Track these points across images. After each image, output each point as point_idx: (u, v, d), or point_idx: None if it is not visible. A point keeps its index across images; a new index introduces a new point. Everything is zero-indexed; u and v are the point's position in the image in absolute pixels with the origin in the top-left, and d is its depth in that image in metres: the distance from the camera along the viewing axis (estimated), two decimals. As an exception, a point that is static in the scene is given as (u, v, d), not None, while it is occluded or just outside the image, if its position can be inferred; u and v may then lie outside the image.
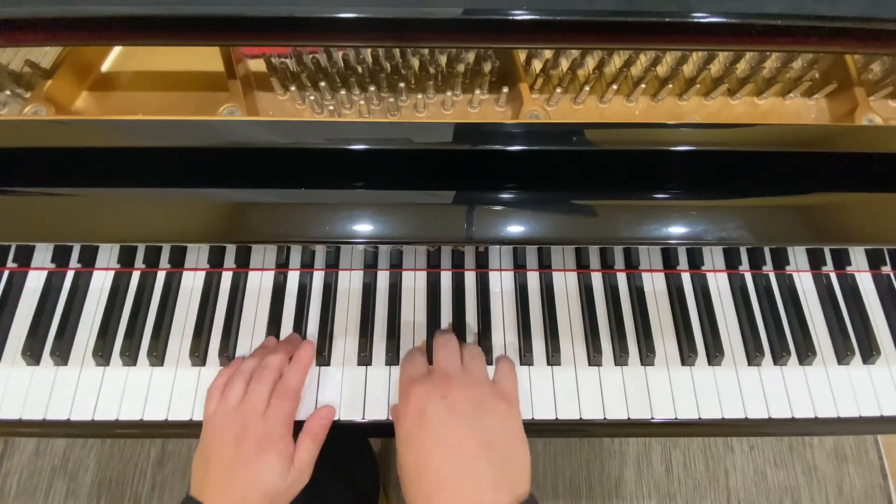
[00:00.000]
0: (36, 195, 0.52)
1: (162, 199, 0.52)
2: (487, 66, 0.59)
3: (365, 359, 0.60)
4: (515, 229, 0.52)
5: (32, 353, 0.59)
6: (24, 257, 0.64)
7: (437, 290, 0.64)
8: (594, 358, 0.60)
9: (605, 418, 0.58)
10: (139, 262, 0.65)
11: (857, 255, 0.66)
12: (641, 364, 0.61)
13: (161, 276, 0.64)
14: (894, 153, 0.52)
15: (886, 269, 0.66)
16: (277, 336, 0.61)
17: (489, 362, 0.60)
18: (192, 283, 0.64)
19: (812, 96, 0.61)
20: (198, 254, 0.65)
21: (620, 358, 0.60)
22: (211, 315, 0.62)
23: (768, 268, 0.66)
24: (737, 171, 0.54)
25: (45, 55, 0.58)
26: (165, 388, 0.59)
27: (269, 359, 0.55)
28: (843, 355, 0.61)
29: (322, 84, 0.57)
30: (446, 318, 0.63)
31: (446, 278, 0.65)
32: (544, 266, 0.65)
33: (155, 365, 0.60)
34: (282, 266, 0.65)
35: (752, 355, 0.60)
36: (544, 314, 0.62)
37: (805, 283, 0.65)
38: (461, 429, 0.39)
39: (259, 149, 0.51)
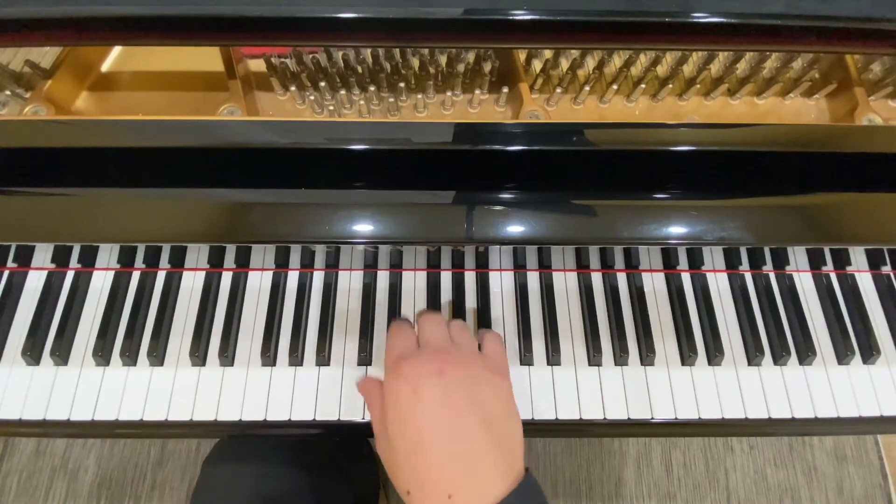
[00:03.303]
0: (36, 195, 0.52)
1: (162, 199, 0.52)
2: (487, 66, 0.59)
3: (365, 359, 0.60)
4: (515, 229, 0.52)
5: (32, 353, 0.59)
6: (24, 257, 0.64)
7: (437, 290, 0.64)
8: (594, 358, 0.60)
9: (605, 418, 0.58)
10: (139, 262, 0.64)
11: (857, 255, 0.66)
12: (641, 364, 0.61)
13: (161, 276, 0.64)
14: (894, 153, 0.52)
15: (886, 269, 0.66)
16: (277, 340, 0.61)
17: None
18: (192, 283, 0.64)
19: (812, 96, 0.61)
20: (198, 254, 0.65)
21: (620, 358, 0.60)
22: (211, 315, 0.62)
23: (768, 268, 0.66)
24: (737, 171, 0.54)
25: (45, 55, 0.58)
26: (165, 388, 0.59)
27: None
28: (843, 355, 0.61)
29: (322, 84, 0.57)
30: (446, 317, 0.62)
31: (446, 278, 0.65)
32: (544, 266, 0.65)
33: (155, 365, 0.60)
34: (281, 266, 0.65)
35: (752, 355, 0.60)
36: (544, 314, 0.62)
37: (805, 283, 0.65)
38: (458, 406, 0.38)
39: (259, 149, 0.51)
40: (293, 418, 0.58)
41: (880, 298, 0.65)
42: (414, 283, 0.64)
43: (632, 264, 0.65)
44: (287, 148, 0.51)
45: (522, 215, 0.52)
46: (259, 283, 0.64)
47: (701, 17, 0.45)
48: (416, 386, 0.38)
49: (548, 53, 0.59)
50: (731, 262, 0.66)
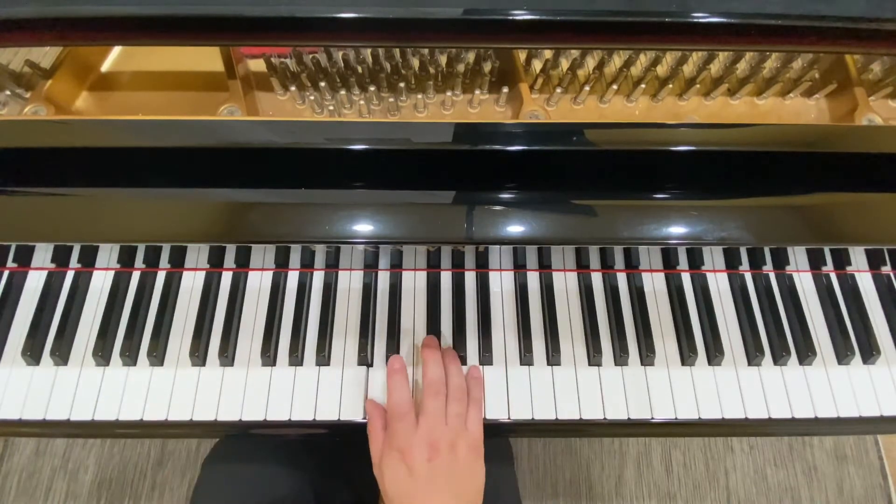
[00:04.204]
0: (36, 195, 0.52)
1: (162, 199, 0.52)
2: (487, 66, 0.59)
3: (365, 359, 0.60)
4: (515, 229, 0.52)
5: (32, 353, 0.59)
6: (24, 257, 0.64)
7: (437, 290, 0.64)
8: (594, 358, 0.60)
9: (605, 418, 0.58)
10: (139, 262, 0.64)
11: (857, 255, 0.66)
12: (641, 364, 0.61)
13: (161, 276, 0.64)
14: (894, 153, 0.52)
15: (886, 269, 0.66)
16: (277, 340, 0.61)
17: (489, 362, 0.60)
18: (192, 283, 0.64)
19: (812, 96, 0.61)
20: (198, 254, 0.65)
21: (620, 358, 0.60)
22: (211, 315, 0.62)
23: (768, 268, 0.66)
24: (737, 171, 0.54)
25: (45, 55, 0.58)
26: (165, 388, 0.59)
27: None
28: (843, 355, 0.61)
29: (322, 84, 0.57)
30: (446, 318, 0.63)
31: (446, 278, 0.65)
32: (544, 266, 0.65)
33: (155, 365, 0.60)
34: (281, 266, 0.65)
35: (752, 355, 0.60)
36: (544, 314, 0.62)
37: (805, 283, 0.65)
38: (439, 482, 0.51)
39: (259, 149, 0.51)
40: (293, 418, 0.58)
41: (880, 298, 0.65)
42: (414, 283, 0.64)
43: (632, 264, 0.65)
44: (287, 148, 0.51)
45: (522, 215, 0.52)
46: (259, 283, 0.64)
47: (701, 17, 0.45)
48: (411, 466, 0.51)
49: (548, 53, 0.59)
50: (731, 262, 0.66)
